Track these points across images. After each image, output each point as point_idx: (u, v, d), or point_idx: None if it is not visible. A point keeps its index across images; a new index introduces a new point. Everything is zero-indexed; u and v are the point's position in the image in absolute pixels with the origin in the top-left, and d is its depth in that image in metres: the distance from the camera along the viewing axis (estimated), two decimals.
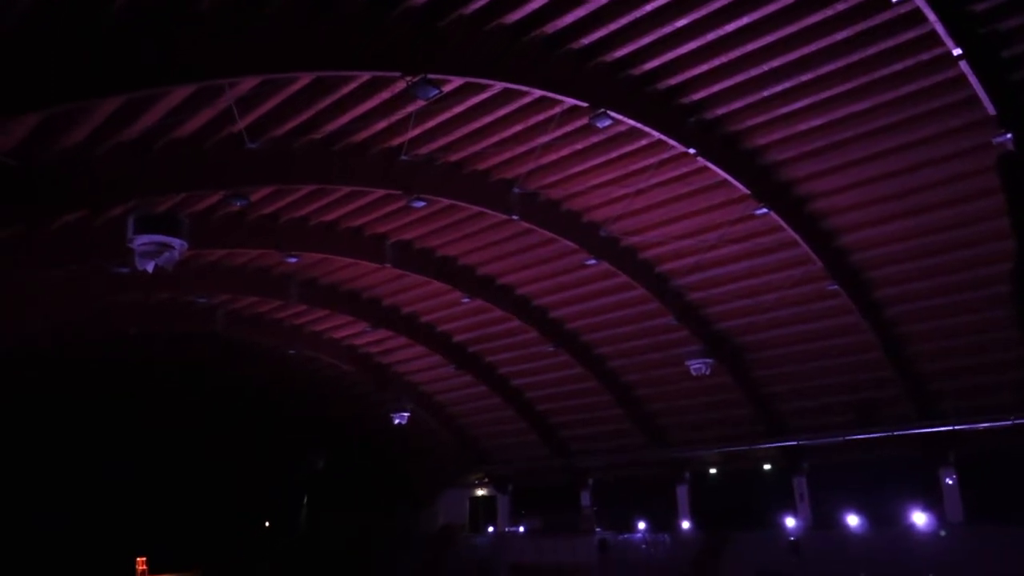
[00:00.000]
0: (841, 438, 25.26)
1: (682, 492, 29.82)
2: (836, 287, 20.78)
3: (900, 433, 23.97)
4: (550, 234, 20.33)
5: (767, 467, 28.15)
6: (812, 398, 25.62)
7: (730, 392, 25.96)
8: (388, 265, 21.70)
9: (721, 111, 15.95)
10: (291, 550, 32.69)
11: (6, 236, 15.93)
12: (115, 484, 27.92)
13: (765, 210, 18.14)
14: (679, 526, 29.08)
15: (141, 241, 10.49)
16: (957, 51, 12.70)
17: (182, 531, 30.32)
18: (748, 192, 17.67)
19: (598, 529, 30.32)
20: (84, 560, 26.86)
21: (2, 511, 25.22)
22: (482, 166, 17.92)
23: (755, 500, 27.94)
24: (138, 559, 30.55)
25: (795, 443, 26.46)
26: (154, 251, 10.57)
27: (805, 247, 19.56)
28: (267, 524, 35.94)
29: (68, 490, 26.40)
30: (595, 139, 16.78)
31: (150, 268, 10.75)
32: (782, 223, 18.73)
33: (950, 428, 23.27)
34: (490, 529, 34.45)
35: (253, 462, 31.47)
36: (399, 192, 17.57)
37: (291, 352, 28.91)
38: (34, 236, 16.48)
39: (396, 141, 15.98)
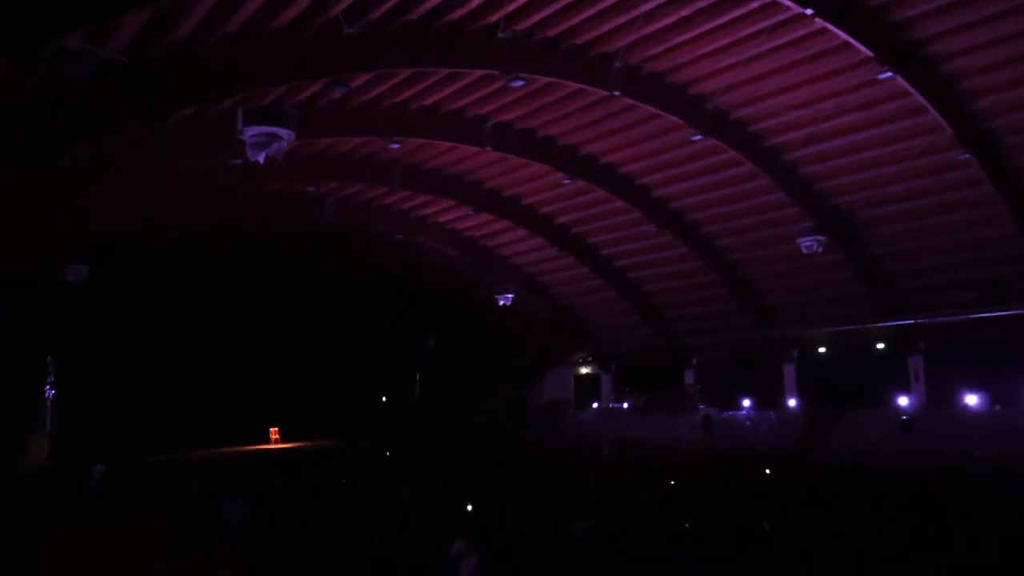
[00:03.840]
0: (964, 317, 24.11)
1: (789, 371, 29.50)
2: (968, 156, 19.28)
3: None
4: (653, 109, 19.57)
5: (880, 346, 27.33)
6: (933, 275, 24.37)
7: (843, 270, 24.99)
8: (489, 148, 21.58)
9: None
10: (405, 423, 34.83)
11: (128, 132, 16.80)
12: (255, 363, 30.36)
13: (890, 74, 16.75)
14: (786, 404, 28.99)
15: (251, 133, 10.74)
16: None
17: (310, 405, 32.81)
18: (871, 55, 16.30)
19: (702, 406, 30.65)
20: (228, 427, 29.78)
21: (161, 383, 28.03)
22: (581, 40, 17.20)
23: (866, 379, 27.35)
24: (272, 428, 33.57)
25: (912, 322, 25.46)
26: (264, 142, 10.82)
27: (934, 113, 18.07)
28: (384, 400, 38.25)
29: (216, 366, 28.94)
30: (702, 4, 15.69)
31: (261, 159, 11.05)
32: (908, 88, 17.29)
33: None
34: (594, 405, 35.43)
35: (371, 345, 33.18)
36: (497, 72, 17.22)
37: (398, 237, 29.72)
38: (152, 131, 17.26)
39: (492, 18, 15.52)
